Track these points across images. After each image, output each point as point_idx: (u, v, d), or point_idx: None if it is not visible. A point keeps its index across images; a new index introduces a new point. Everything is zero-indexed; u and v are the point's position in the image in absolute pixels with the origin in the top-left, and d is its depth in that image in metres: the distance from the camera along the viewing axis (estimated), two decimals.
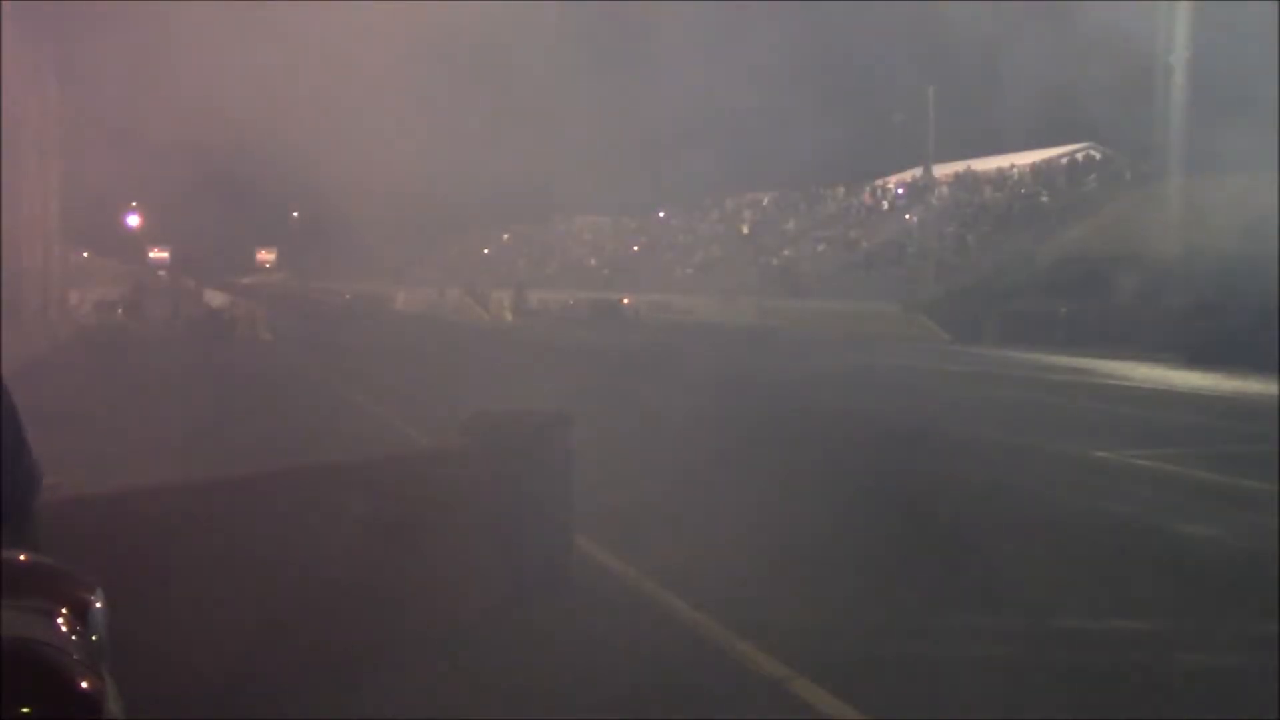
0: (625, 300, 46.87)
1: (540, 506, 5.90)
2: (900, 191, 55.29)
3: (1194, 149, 32.67)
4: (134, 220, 60.49)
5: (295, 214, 75.43)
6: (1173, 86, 33.46)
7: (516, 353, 25.25)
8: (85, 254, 58.82)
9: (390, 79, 26.89)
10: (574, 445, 6.17)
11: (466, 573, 5.49)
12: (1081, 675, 4.95)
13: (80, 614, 1.67)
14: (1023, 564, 6.91)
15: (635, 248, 69.18)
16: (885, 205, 55.59)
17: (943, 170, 48.89)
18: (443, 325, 38.23)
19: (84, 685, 1.45)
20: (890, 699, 4.60)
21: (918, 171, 46.92)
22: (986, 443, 12.05)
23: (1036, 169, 50.04)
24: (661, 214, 72.53)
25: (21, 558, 1.80)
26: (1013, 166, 51.58)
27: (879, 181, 58.77)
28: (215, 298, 44.71)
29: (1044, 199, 46.05)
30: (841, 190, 60.99)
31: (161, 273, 68.22)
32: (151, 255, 73.75)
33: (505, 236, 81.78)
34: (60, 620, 1.61)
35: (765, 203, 65.32)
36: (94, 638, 1.67)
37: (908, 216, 49.62)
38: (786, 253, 53.80)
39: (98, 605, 1.74)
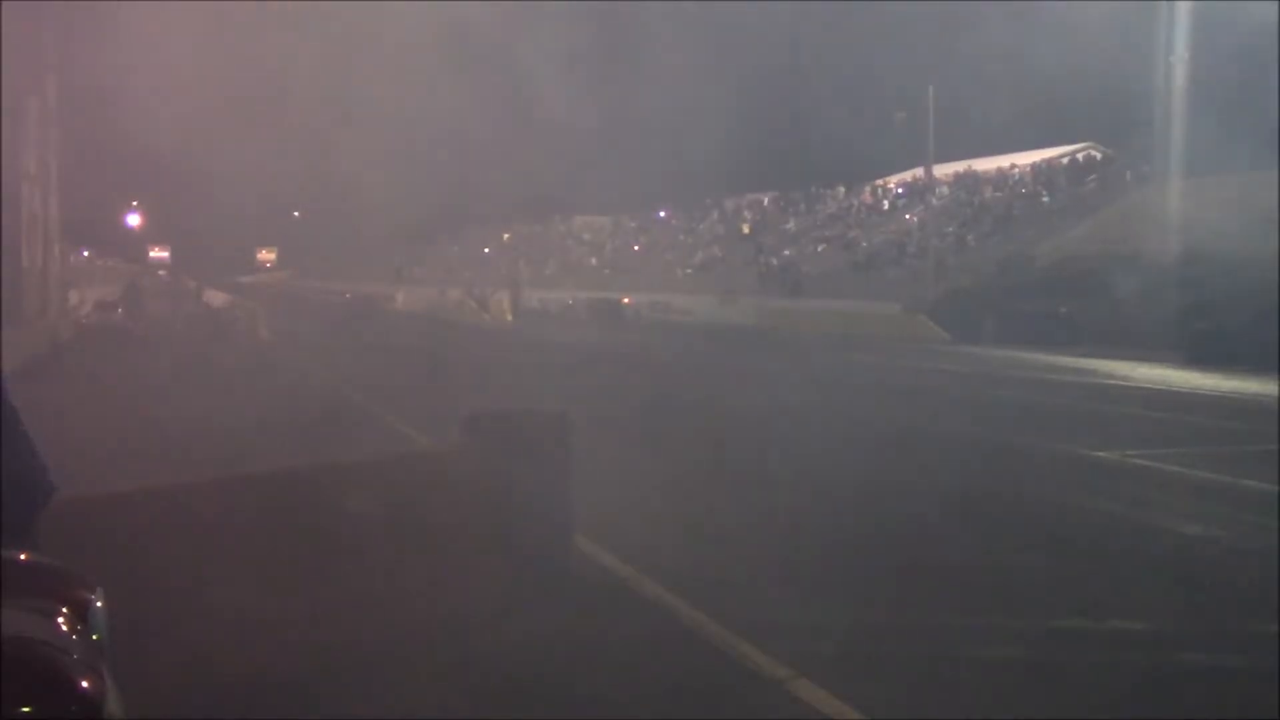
0: (626, 300, 46.79)
1: (540, 506, 5.90)
2: (900, 191, 55.28)
3: (1194, 149, 32.66)
4: (134, 220, 60.46)
5: (296, 214, 75.57)
6: (1173, 87, 33.48)
7: (516, 353, 25.24)
8: (85, 254, 58.74)
9: (391, 79, 26.92)
10: (574, 445, 6.17)
11: (466, 573, 5.49)
12: (1082, 675, 4.95)
13: (80, 614, 1.67)
14: (1022, 564, 6.92)
15: (635, 248, 69.15)
16: (885, 205, 55.58)
17: (943, 170, 48.84)
18: (443, 325, 38.19)
19: (84, 685, 1.45)
20: (890, 699, 4.60)
21: (918, 171, 46.87)
22: (986, 442, 12.05)
23: (1036, 169, 50.05)
24: (661, 214, 72.51)
25: (22, 557, 1.79)
26: (1013, 166, 51.59)
27: (879, 181, 58.75)
28: (215, 297, 44.59)
29: (1044, 199, 46.08)
30: (841, 190, 60.98)
31: (162, 272, 68.17)
32: (152, 255, 73.78)
33: (505, 236, 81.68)
34: (60, 620, 1.61)
35: (765, 203, 65.27)
36: (94, 638, 1.67)
37: (908, 217, 49.62)
38: (787, 253, 53.75)
39: (98, 605, 1.74)
